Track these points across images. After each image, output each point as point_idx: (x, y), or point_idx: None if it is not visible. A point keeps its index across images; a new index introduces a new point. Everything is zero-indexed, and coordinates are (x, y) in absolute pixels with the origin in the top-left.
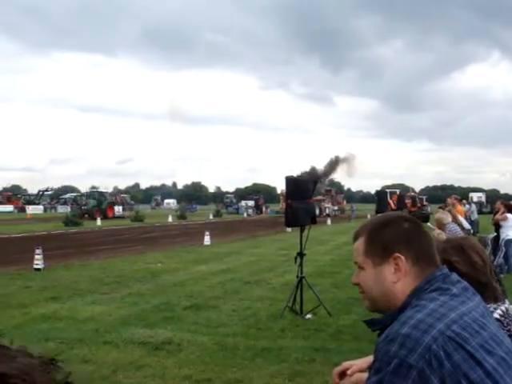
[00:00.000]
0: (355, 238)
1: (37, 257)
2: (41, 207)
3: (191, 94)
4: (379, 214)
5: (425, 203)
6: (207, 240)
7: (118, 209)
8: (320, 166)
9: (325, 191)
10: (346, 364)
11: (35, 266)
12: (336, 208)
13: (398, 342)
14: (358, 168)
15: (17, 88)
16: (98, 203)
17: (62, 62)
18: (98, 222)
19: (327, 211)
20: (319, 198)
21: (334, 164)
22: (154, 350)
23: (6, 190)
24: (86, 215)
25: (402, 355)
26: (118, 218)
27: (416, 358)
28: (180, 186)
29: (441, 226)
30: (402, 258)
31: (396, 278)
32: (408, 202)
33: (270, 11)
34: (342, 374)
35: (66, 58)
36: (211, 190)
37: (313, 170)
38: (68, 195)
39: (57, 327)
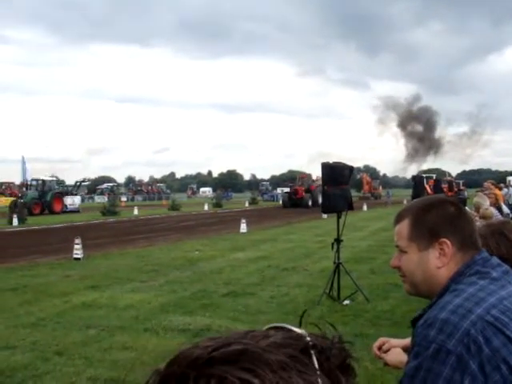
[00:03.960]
0: (397, 221)
1: (76, 246)
2: (78, 198)
3: (226, 81)
4: (422, 197)
5: (462, 187)
6: (243, 227)
7: (73, 200)
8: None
9: None
10: (382, 339)
11: (75, 256)
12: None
13: (436, 327)
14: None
15: (56, 81)
16: (39, 195)
17: (99, 55)
18: (135, 211)
19: None
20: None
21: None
22: (193, 337)
23: None
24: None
25: (441, 340)
26: (72, 212)
27: (454, 343)
28: (215, 175)
29: (479, 210)
30: (448, 242)
31: (440, 262)
32: (445, 186)
33: None
34: (380, 348)
35: (103, 50)
36: (246, 177)
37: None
38: (105, 185)
39: (97, 315)
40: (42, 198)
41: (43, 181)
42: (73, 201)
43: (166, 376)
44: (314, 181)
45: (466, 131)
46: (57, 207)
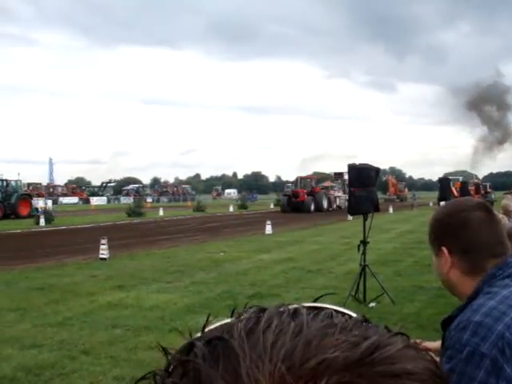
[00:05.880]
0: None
1: (102, 247)
2: (104, 198)
3: (253, 83)
4: (450, 202)
5: (488, 190)
6: (269, 229)
7: (46, 204)
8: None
9: (334, 175)
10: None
11: (101, 256)
12: None
13: (470, 330)
14: None
15: (84, 82)
16: (3, 197)
17: (127, 56)
18: (161, 212)
19: (338, 202)
20: (326, 183)
21: None
22: None
23: (70, 182)
24: None
25: (474, 343)
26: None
27: (488, 347)
28: (240, 176)
29: (507, 212)
30: (445, 251)
31: (446, 268)
32: (471, 188)
33: None
34: None
35: (131, 52)
36: (271, 179)
37: None
38: (130, 186)
39: (123, 315)
40: (6, 200)
41: (7, 181)
42: (47, 204)
43: None
44: (317, 184)
45: None
46: (23, 211)
